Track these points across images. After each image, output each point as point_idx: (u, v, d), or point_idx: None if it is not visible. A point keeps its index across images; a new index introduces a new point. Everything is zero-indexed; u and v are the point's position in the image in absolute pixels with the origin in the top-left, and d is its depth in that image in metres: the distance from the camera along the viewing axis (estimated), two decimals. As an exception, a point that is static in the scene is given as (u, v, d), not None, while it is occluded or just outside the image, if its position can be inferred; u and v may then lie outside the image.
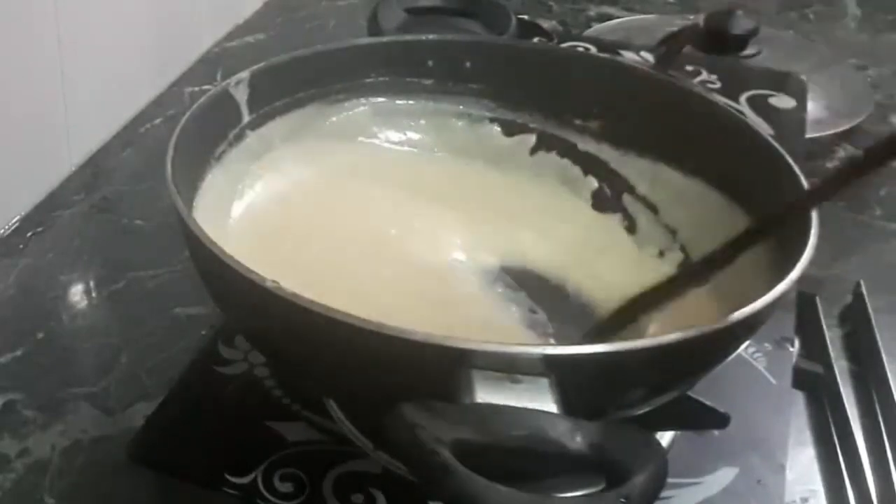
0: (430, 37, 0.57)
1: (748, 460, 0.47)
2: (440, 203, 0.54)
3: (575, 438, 0.32)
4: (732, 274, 0.47)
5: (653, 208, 0.54)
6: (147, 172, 0.70)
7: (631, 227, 0.54)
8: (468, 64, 0.56)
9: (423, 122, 0.57)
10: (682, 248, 0.52)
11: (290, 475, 0.45)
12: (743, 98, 0.73)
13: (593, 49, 0.78)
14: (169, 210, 0.41)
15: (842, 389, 0.54)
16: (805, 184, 0.45)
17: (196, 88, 0.79)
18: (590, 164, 0.56)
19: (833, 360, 0.55)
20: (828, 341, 0.57)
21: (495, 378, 0.33)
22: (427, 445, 0.31)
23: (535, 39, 0.80)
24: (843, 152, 0.75)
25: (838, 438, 0.52)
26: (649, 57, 0.78)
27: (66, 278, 0.61)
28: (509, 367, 0.34)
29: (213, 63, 0.84)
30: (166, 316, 0.58)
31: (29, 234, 0.64)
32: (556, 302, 0.50)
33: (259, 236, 0.49)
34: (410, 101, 0.57)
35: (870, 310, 0.58)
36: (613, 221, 0.54)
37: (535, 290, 0.50)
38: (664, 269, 0.51)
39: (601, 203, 0.55)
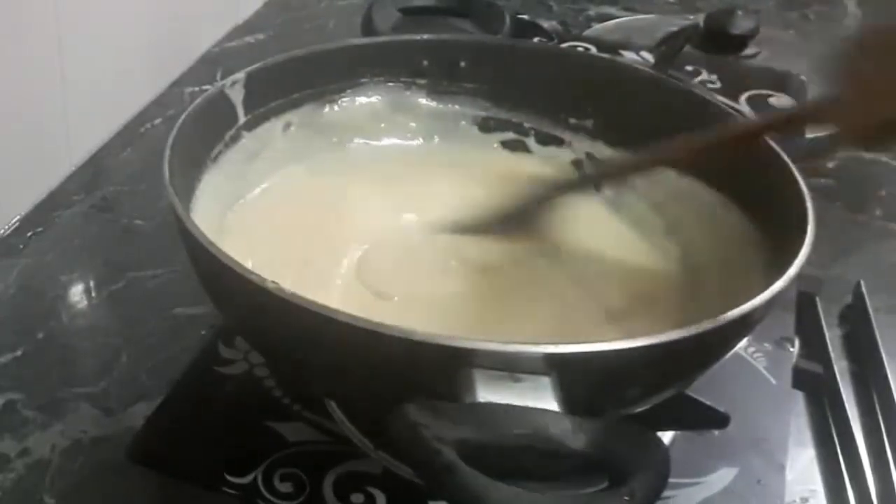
0: (425, 36, 0.57)
1: (748, 460, 0.47)
2: (437, 201, 0.54)
3: (577, 437, 0.32)
4: (731, 273, 0.47)
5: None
6: (147, 172, 0.70)
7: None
8: (463, 63, 0.56)
9: (418, 121, 0.57)
10: (680, 247, 0.52)
11: (290, 475, 0.45)
12: (743, 98, 0.73)
13: (593, 49, 0.78)
14: (169, 210, 0.41)
15: (842, 389, 0.54)
16: (803, 184, 0.45)
17: (196, 88, 0.79)
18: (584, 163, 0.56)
19: (833, 360, 0.55)
20: (828, 341, 0.57)
21: (497, 377, 0.34)
22: (431, 445, 0.31)
23: (535, 39, 0.80)
24: (842, 152, 0.75)
25: (838, 438, 0.52)
26: (649, 57, 0.78)
27: (66, 278, 0.61)
28: (511, 366, 0.34)
29: (213, 63, 0.83)
30: (166, 316, 0.58)
31: (29, 234, 0.64)
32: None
33: (257, 237, 0.49)
34: (405, 101, 0.57)
35: (870, 310, 0.58)
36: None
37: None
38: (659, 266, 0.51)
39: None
